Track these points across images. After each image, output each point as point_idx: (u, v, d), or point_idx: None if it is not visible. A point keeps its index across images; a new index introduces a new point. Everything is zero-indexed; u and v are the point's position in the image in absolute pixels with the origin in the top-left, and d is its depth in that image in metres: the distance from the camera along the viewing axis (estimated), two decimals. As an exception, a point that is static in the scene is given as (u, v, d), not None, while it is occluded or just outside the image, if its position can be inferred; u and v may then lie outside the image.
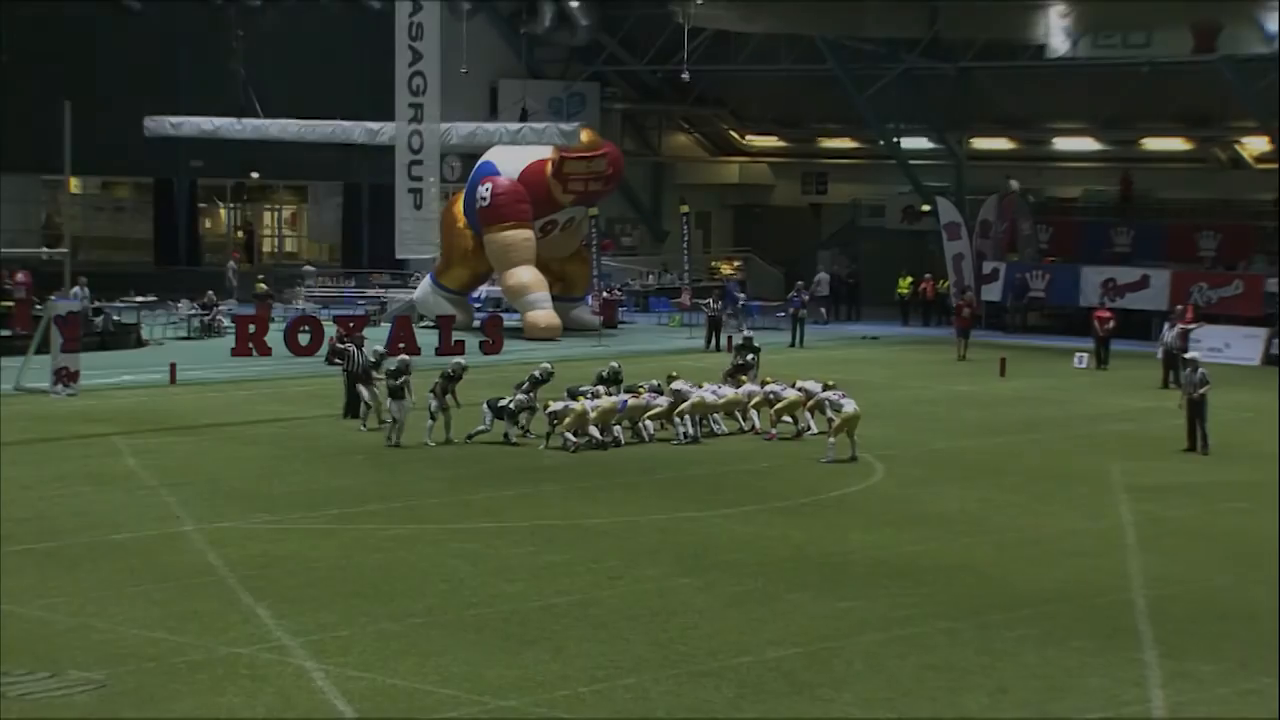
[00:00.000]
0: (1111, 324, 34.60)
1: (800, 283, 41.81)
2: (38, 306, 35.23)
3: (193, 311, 39.76)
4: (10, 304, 36.89)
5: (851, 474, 21.55)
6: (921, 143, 49.52)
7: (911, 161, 48.51)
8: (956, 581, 15.68)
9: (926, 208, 48.13)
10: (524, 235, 39.19)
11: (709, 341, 38.16)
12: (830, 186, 55.54)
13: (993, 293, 43.68)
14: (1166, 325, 32.55)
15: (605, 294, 42.83)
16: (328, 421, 24.89)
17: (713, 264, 53.26)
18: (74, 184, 49.07)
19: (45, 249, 47.66)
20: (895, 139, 48.03)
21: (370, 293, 46.03)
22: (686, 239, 44.36)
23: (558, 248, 41.18)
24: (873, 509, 19.24)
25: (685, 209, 44.76)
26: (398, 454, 22.40)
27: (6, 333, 35.45)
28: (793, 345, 38.81)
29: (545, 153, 38.95)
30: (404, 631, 13.54)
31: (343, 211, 53.51)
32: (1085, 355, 33.78)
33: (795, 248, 54.04)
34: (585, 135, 38.47)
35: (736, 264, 53.35)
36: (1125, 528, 18.37)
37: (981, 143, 49.80)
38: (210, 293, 40.37)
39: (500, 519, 18.21)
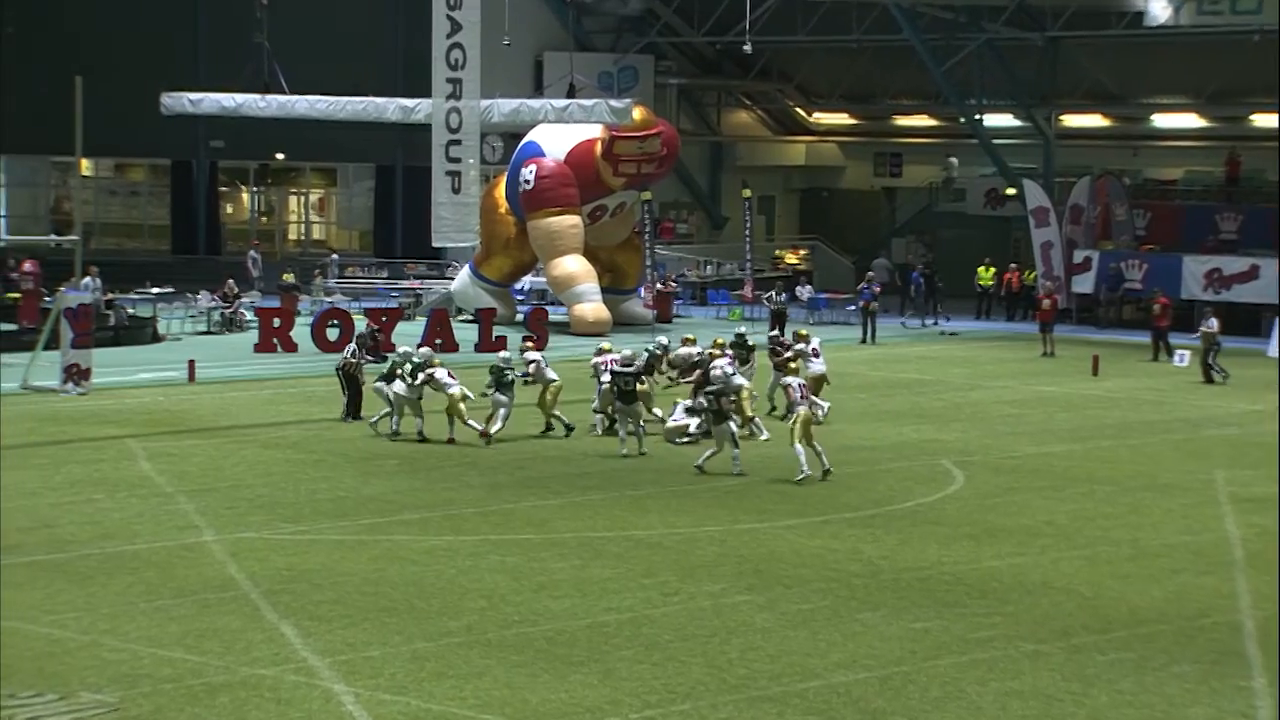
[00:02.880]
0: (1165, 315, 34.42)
1: (871, 273, 41.69)
2: (46, 298, 35.60)
3: (213, 304, 40.05)
4: (17, 296, 37.26)
5: (928, 483, 21.47)
6: (1006, 120, 49.26)
7: (995, 140, 48.25)
8: (1043, 600, 15.59)
9: (1012, 191, 47.87)
10: (571, 222, 39.25)
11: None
12: (905, 168, 55.36)
13: (1084, 284, 43.39)
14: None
15: (659, 285, 42.82)
16: (358, 424, 25.01)
17: (776, 253, 53.18)
18: (85, 166, 49.63)
19: (54, 236, 48.21)
20: (977, 116, 47.78)
21: (404, 284, 46.23)
22: (748, 226, 44.30)
23: (607, 235, 41.20)
24: (951, 521, 19.16)
25: (747, 193, 44.70)
26: (434, 459, 22.50)
27: (12, 327, 35.83)
28: (864, 342, 38.70)
29: (594, 132, 38.97)
30: (440, 651, 13.59)
31: (374, 196, 53.77)
32: (1187, 354, 33.51)
33: (866, 235, 53.90)
34: (638, 113, 38.39)
35: (802, 253, 53.25)
36: (1231, 542, 18.21)
37: (1072, 120, 49.50)
38: (231, 283, 40.66)
39: (544, 530, 18.25)
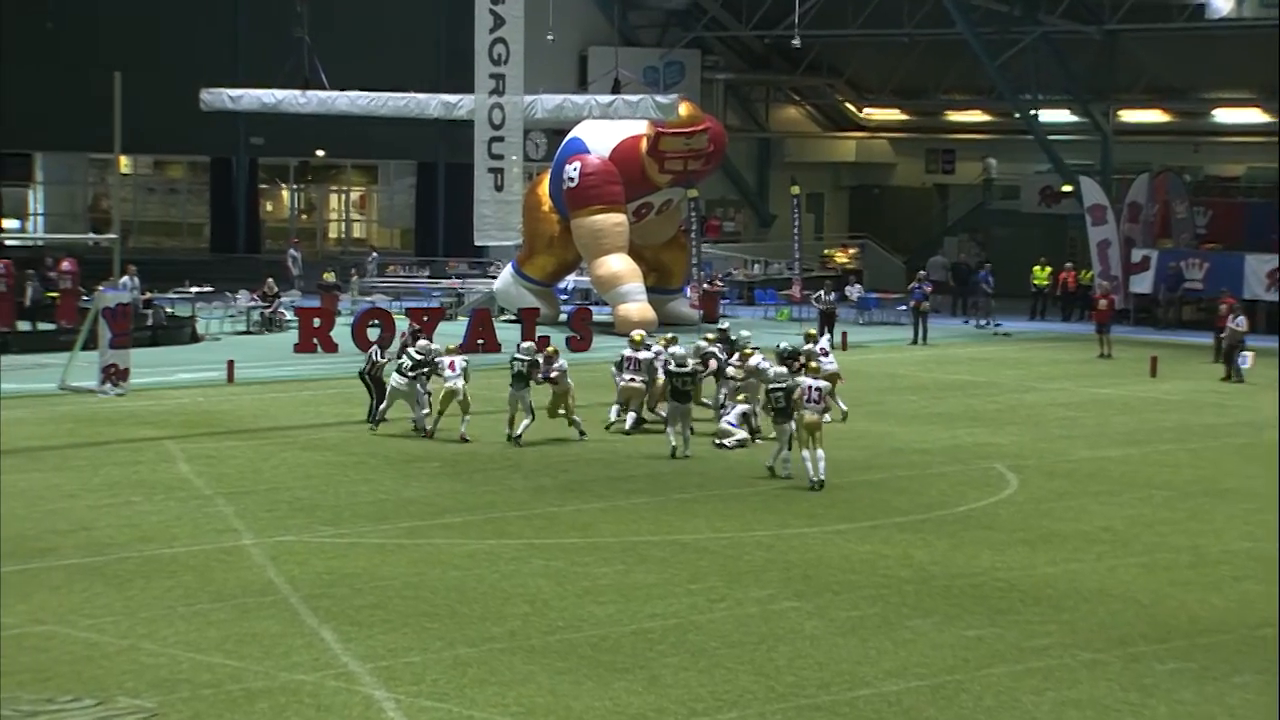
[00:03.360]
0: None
1: (923, 272, 41.58)
2: (84, 298, 35.86)
3: (252, 303, 40.25)
4: (55, 295, 37.51)
5: (980, 487, 21.39)
6: (1062, 115, 49.03)
7: (1051, 136, 48.02)
8: (1100, 608, 15.50)
9: (1068, 188, 47.63)
10: (615, 220, 39.26)
11: (821, 337, 37.95)
12: (958, 165, 55.19)
13: (1143, 283, 43.14)
14: None
15: (705, 285, 42.82)
16: (399, 425, 25.09)
17: (825, 252, 53.09)
18: (124, 163, 49.95)
19: (93, 234, 48.53)
20: (1032, 111, 47.56)
21: (445, 283, 46.36)
22: (796, 224, 44.23)
23: (653, 233, 41.20)
24: (1004, 526, 19.08)
25: (795, 190, 44.64)
26: (476, 462, 22.55)
27: (51, 327, 36.11)
28: (915, 343, 38.59)
29: (640, 128, 38.98)
30: (482, 657, 13.62)
31: (416, 193, 53.97)
32: (1250, 355, 33.27)
33: (918, 234, 53.75)
34: (684, 108, 38.48)
35: (852, 252, 53.14)
36: (1294, 550, 18.06)
37: (1130, 115, 49.22)
38: (270, 282, 40.83)
39: (588, 534, 18.27)
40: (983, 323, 42.03)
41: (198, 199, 54.72)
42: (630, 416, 25.41)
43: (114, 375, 28.23)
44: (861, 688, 13.02)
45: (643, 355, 25.72)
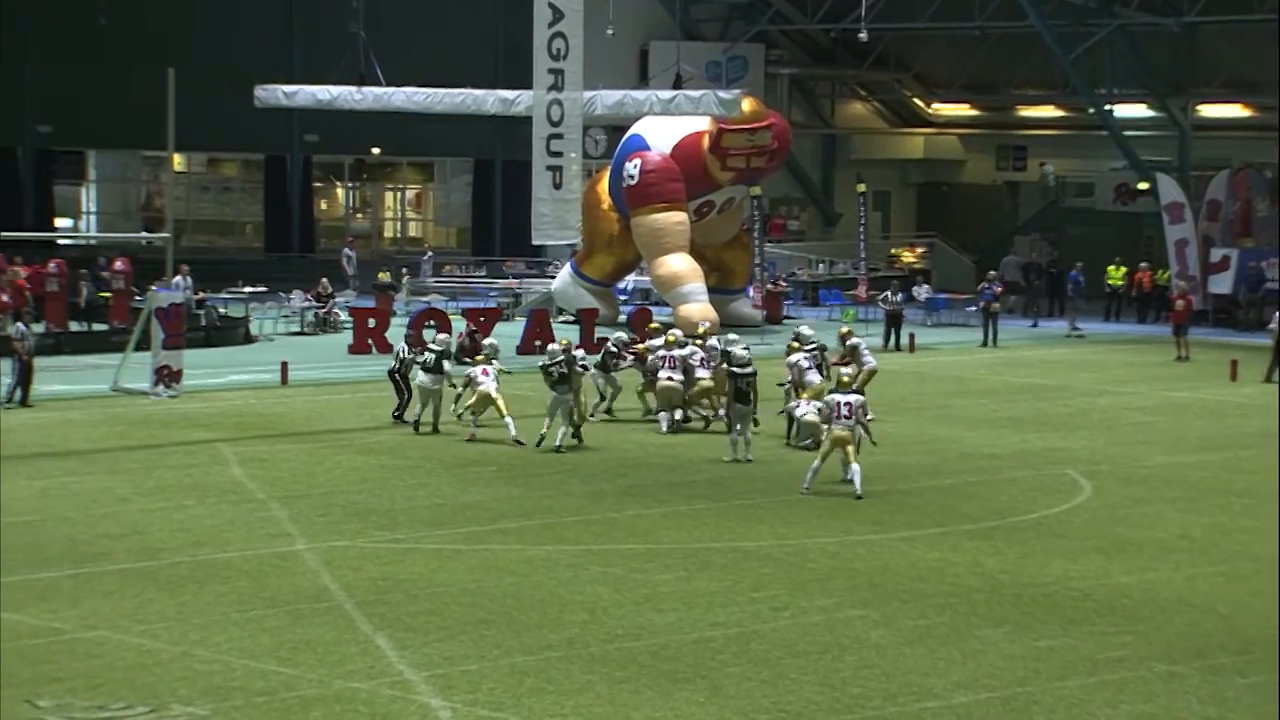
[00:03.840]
0: None
1: (993, 273, 41.36)
2: (137, 298, 36.17)
3: (306, 304, 40.49)
4: (108, 295, 37.85)
5: (1053, 493, 21.27)
6: (1138, 110, 48.66)
7: (1126, 132, 47.67)
8: (1178, 618, 15.38)
9: (1144, 186, 47.26)
10: (677, 218, 39.26)
11: (887, 339, 37.89)
12: (1030, 162, 54.84)
13: (1222, 284, 42.75)
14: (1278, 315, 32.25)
15: (768, 285, 42.76)
16: (454, 427, 25.19)
17: (893, 251, 52.92)
18: (177, 161, 50.39)
19: (146, 234, 49.03)
20: (1107, 106, 47.24)
21: (503, 283, 46.51)
22: (863, 222, 44.11)
23: (715, 232, 41.18)
24: (1077, 533, 18.97)
25: (862, 188, 44.52)
26: (533, 466, 22.60)
27: (103, 327, 36.44)
28: (985, 344, 38.40)
29: (702, 124, 38.97)
30: (540, 665, 13.65)
31: (473, 191, 54.16)
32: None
33: (988, 232, 53.47)
34: (747, 104, 38.43)
35: (920, 251, 52.94)
36: (1380, 560, 17.86)
37: (1209, 110, 48.79)
38: (325, 282, 41.07)
39: (648, 540, 18.28)
40: (1076, 326, 41.69)
41: (251, 197, 55.12)
42: (663, 417, 25.64)
43: (167, 377, 28.45)
44: (929, 699, 12.97)
45: (678, 352, 25.95)
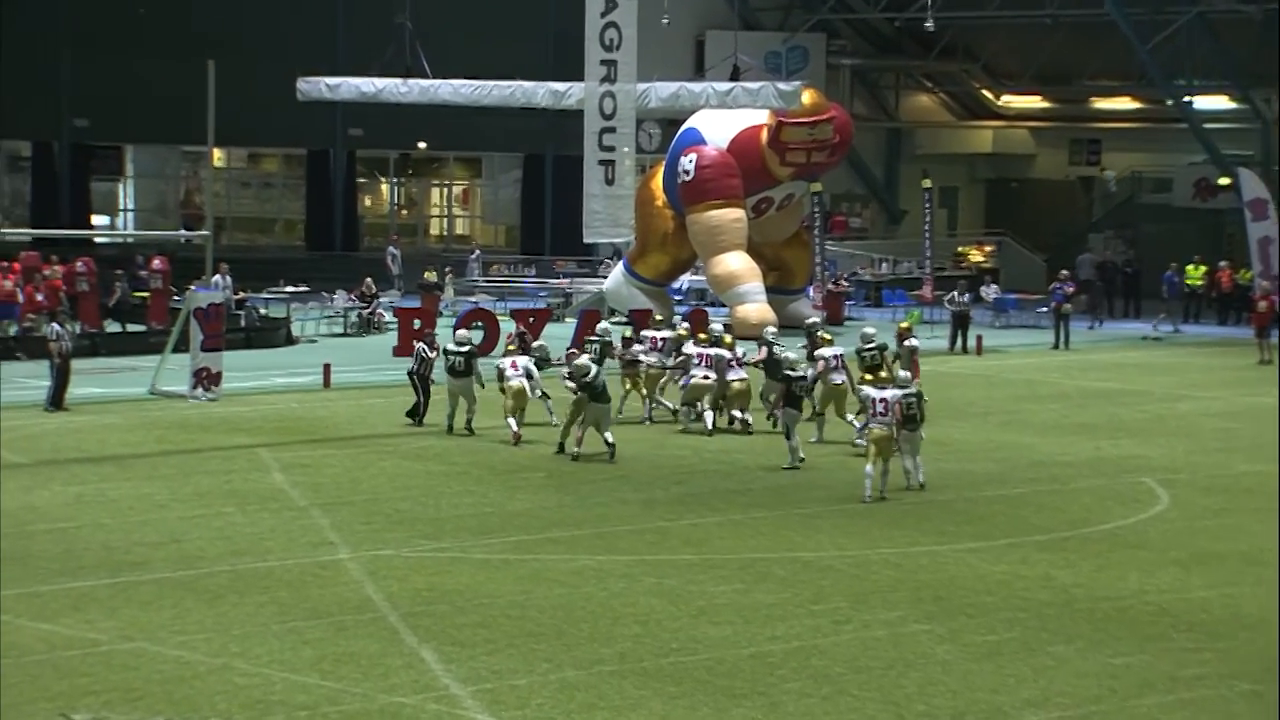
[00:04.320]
0: None
1: (1065, 272, 41.14)
2: (175, 298, 36.43)
3: (349, 304, 40.70)
4: (145, 295, 38.14)
5: (1128, 503, 21.13)
6: (1219, 102, 48.31)
7: (1206, 125, 47.34)
8: (1260, 635, 15.24)
9: (1225, 181, 46.93)
10: (734, 215, 39.25)
11: (954, 341, 37.76)
12: (1104, 156, 54.57)
13: (1308, 283, 42.38)
14: None
15: (829, 285, 42.68)
16: (501, 433, 25.25)
17: (959, 250, 52.75)
18: (217, 156, 50.81)
19: (184, 231, 49.36)
20: (1186, 98, 46.94)
21: (553, 283, 46.64)
22: (928, 220, 44.02)
23: (773, 230, 41.14)
24: (1154, 545, 18.83)
25: (927, 183, 44.42)
26: (584, 473, 22.62)
27: (140, 328, 36.71)
28: (1056, 347, 38.23)
29: (760, 117, 38.95)
30: (591, 681, 13.65)
31: (522, 188, 54.34)
32: None
33: (1060, 230, 53.21)
34: (808, 96, 38.37)
35: (988, 249, 52.76)
36: None
37: (1294, 101, 48.39)
38: (369, 282, 41.27)
39: (704, 550, 18.26)
40: (1169, 327, 41.44)
41: (293, 194, 55.45)
42: (683, 411, 26.14)
43: (206, 379, 28.53)
44: (998, 718, 12.91)
45: (713, 351, 26.22)
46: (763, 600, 16.12)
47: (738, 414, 26.25)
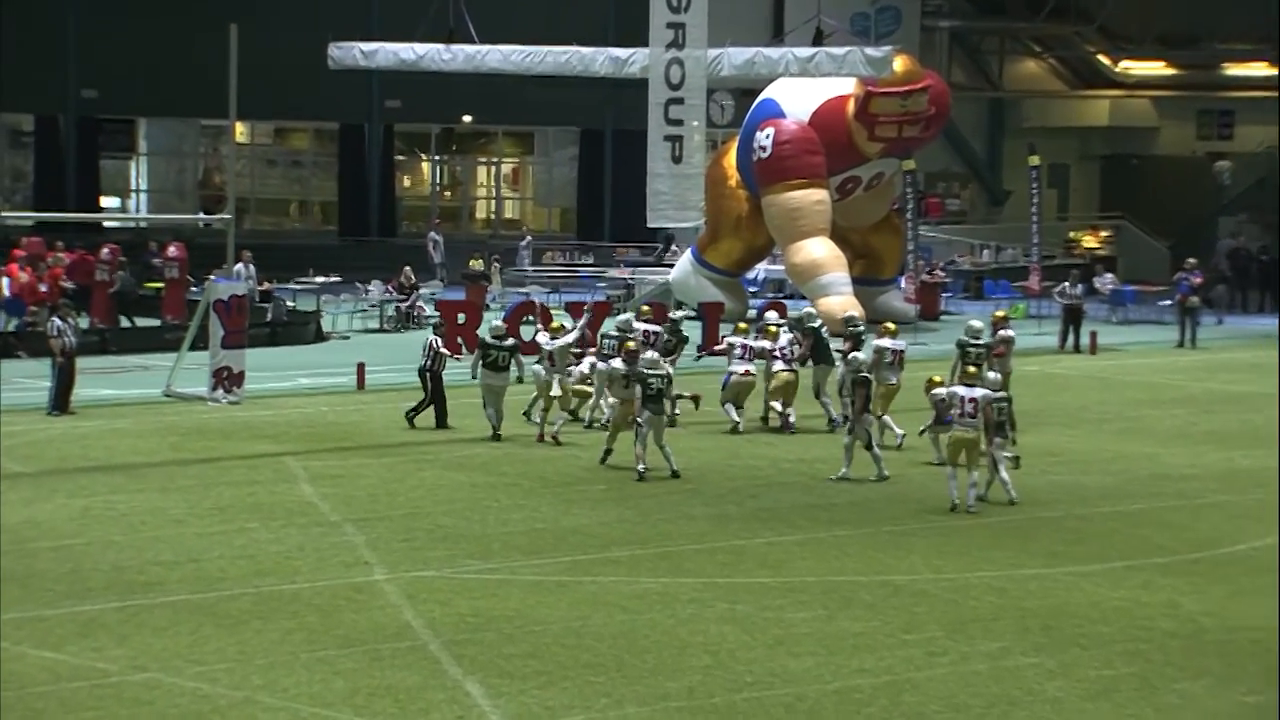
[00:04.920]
0: None
1: (1191, 260, 40.85)
2: (193, 289, 36.68)
3: (386, 296, 40.86)
4: (159, 285, 38.43)
5: (1263, 521, 20.96)
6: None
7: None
8: None
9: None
10: (816, 197, 39.20)
11: (1064, 338, 37.59)
12: (1236, 129, 54.18)
13: None
14: None
15: (924, 275, 42.56)
16: (562, 438, 25.31)
17: (1071, 235, 52.54)
18: (240, 131, 51.10)
19: (203, 215, 49.72)
20: (1330, 63, 46.57)
21: (613, 273, 46.67)
22: (1035, 201, 43.79)
23: (861, 213, 41.06)
24: (1293, 570, 18.68)
25: (1035, 161, 44.19)
26: (648, 485, 22.62)
27: (154, 322, 36.97)
28: (1181, 345, 37.99)
29: (846, 87, 38.88)
30: (655, 717, 13.66)
31: (579, 166, 54.47)
32: None
33: (1186, 213, 52.86)
34: (900, 63, 38.27)
35: (1104, 234, 52.49)
36: None
37: None
38: (408, 271, 41.42)
39: (782, 572, 18.24)
40: None
41: (324, 173, 55.76)
42: (732, 409, 26.39)
43: (227, 380, 28.71)
44: (1114, 764, 12.85)
45: (758, 344, 26.59)
46: (848, 629, 16.09)
47: (777, 407, 26.42)
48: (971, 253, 50.11)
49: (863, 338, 26.95)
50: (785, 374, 26.63)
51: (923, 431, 23.76)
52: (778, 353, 26.64)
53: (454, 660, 14.97)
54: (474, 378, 26.39)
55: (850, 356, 24.14)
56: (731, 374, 26.64)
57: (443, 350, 26.95)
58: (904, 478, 23.23)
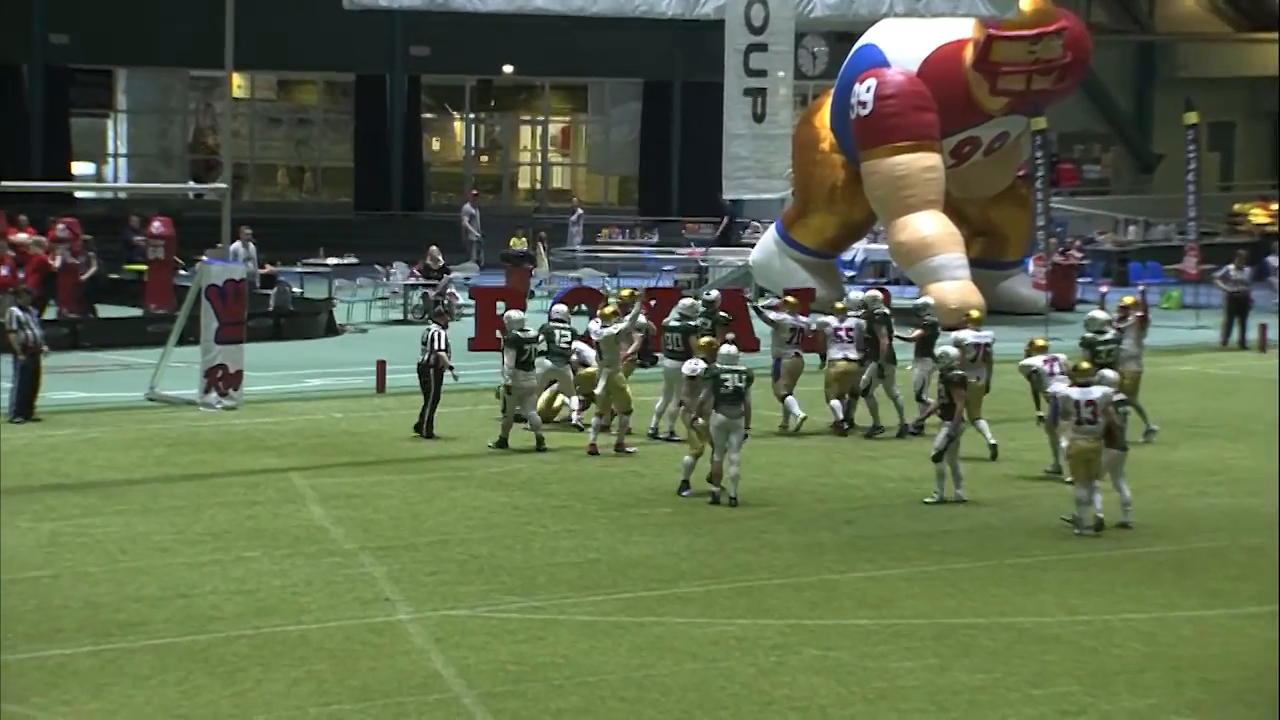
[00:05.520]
0: None
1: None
2: (182, 272, 36.85)
3: (411, 281, 40.96)
4: (142, 268, 38.55)
5: None
6: None
7: None
8: None
9: None
10: (926, 162, 39.11)
11: (1228, 332, 37.39)
12: None
13: None
14: None
15: (1056, 256, 42.41)
16: (610, 455, 25.34)
17: (1236, 208, 52.25)
18: (237, 84, 51.30)
19: (194, 183, 49.95)
20: None
21: (682, 253, 46.65)
22: (1193, 168, 43.57)
23: (980, 182, 40.95)
24: None
25: (1192, 118, 43.97)
26: (722, 508, 22.62)
27: (136, 312, 37.14)
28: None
29: (963, 30, 38.80)
30: (732, 787, 13.68)
31: (641, 126, 54.45)
32: None
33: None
34: (1028, 1, 38.17)
35: (1276, 207, 52.15)
36: None
37: None
38: (434, 251, 41.37)
39: (885, 613, 18.21)
40: None
41: (338, 134, 55.99)
42: (836, 406, 26.99)
43: (221, 381, 28.86)
44: (1285, 845, 12.80)
45: (817, 319, 27.34)
46: (964, 681, 16.07)
47: (837, 404, 26.60)
48: (1114, 229, 49.91)
49: (938, 329, 27.06)
50: (844, 363, 26.78)
51: (1042, 419, 23.78)
52: (841, 333, 26.86)
53: (492, 715, 15.02)
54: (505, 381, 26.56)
55: (941, 352, 24.06)
56: (831, 361, 26.93)
57: (441, 350, 26.91)
58: (1030, 498, 23.16)
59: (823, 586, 19.22)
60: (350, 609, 18.16)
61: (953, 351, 24.09)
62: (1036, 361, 24.16)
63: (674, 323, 26.88)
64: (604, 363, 26.32)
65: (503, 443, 26.19)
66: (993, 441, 25.35)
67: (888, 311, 27.86)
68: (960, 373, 23.45)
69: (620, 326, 26.43)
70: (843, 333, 27.16)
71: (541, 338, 26.83)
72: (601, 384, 26.13)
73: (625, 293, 28.66)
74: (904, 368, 28.16)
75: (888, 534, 21.59)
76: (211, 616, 17.82)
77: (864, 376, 27.25)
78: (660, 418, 26.83)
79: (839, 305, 27.95)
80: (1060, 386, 21.84)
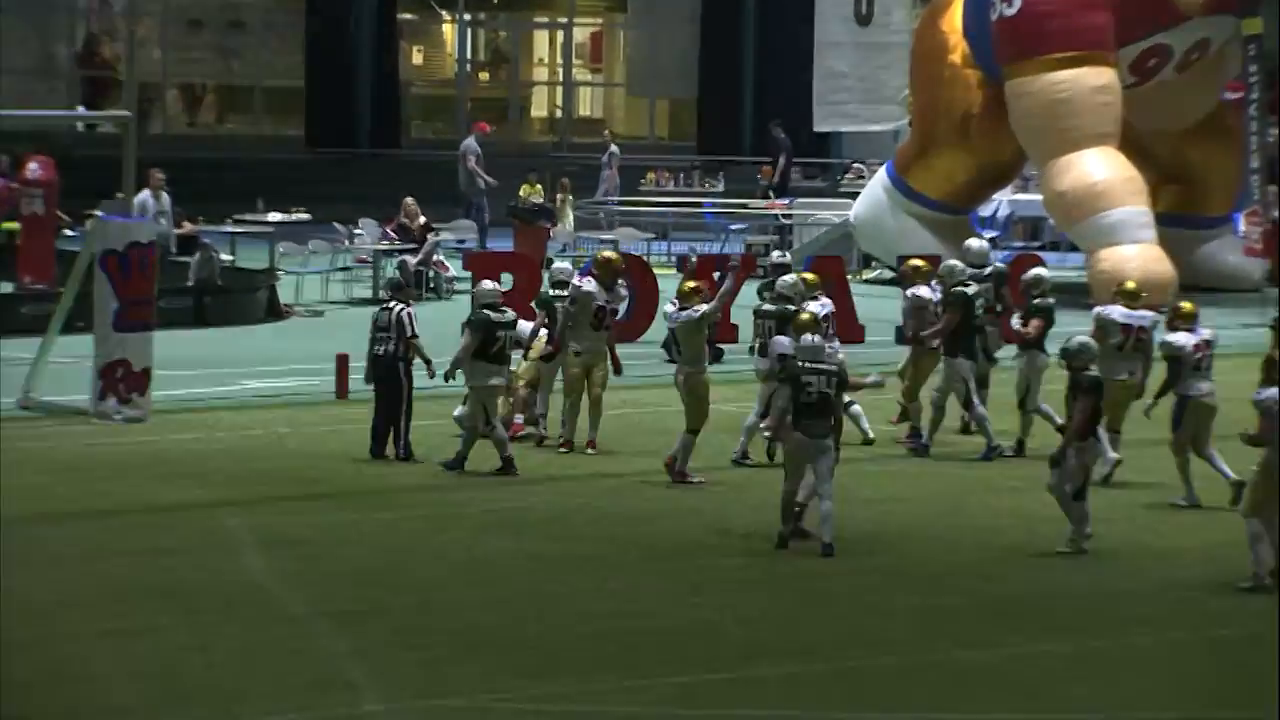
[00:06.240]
0: None
1: None
2: (68, 233, 36.93)
3: (383, 245, 40.97)
4: (13, 226, 38.59)
5: None
6: None
7: None
8: None
9: None
10: (1096, 81, 39.14)
11: None
12: None
13: None
14: None
15: (1277, 212, 42.32)
16: (661, 477, 25.41)
17: None
18: (144, -25, 51.44)
19: (84, 109, 50.05)
20: None
21: (756, 207, 46.61)
22: None
23: (1171, 109, 41.01)
24: None
25: None
26: (807, 555, 22.63)
27: (5, 287, 37.17)
28: None
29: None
30: None
31: (701, 29, 54.46)
32: None
33: None
34: None
35: None
36: None
37: None
38: (410, 204, 41.26)
39: (1039, 703, 18.22)
40: None
41: (284, 45, 56.14)
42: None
43: (123, 382, 28.91)
44: None
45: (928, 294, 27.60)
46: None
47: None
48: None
49: (1053, 312, 27.04)
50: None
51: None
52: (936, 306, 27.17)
53: None
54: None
55: (1082, 344, 23.98)
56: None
57: (412, 336, 27.01)
58: (1235, 544, 23.08)
59: (952, 669, 19.23)
60: (299, 698, 18.19)
61: (1091, 343, 23.91)
62: (1182, 339, 24.19)
63: (768, 306, 26.88)
64: (681, 360, 26.18)
65: (458, 462, 26.18)
66: (1114, 456, 25.33)
67: (969, 292, 27.51)
68: (1096, 374, 23.31)
69: (707, 308, 26.12)
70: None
71: (542, 314, 26.83)
72: (683, 388, 26.01)
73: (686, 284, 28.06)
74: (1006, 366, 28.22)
75: (1037, 593, 21.60)
76: (113, 709, 17.87)
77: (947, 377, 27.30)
78: (751, 436, 26.74)
79: (922, 265, 28.03)
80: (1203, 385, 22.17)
